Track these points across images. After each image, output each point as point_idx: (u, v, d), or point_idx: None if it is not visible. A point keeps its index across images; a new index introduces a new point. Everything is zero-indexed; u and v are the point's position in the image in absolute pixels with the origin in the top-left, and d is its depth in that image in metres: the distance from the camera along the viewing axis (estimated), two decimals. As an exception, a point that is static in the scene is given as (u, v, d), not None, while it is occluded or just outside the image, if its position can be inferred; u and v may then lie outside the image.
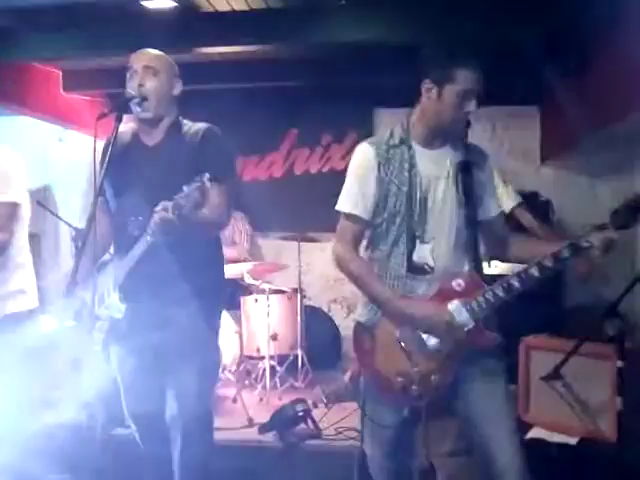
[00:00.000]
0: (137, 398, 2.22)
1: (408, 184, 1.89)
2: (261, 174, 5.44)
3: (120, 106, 2.08)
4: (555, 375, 2.80)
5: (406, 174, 1.90)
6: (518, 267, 1.89)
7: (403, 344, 1.87)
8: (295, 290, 4.36)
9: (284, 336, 4.23)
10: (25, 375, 2.47)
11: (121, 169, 2.13)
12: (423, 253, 1.90)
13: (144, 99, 2.12)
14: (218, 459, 2.29)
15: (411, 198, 1.89)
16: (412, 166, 1.90)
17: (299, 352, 4.23)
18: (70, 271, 1.96)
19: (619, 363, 2.61)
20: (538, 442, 2.80)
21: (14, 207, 2.45)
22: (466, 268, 1.93)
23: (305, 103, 5.08)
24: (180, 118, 2.25)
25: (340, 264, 1.97)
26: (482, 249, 1.99)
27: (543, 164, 5.11)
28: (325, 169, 5.37)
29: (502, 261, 3.53)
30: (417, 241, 1.89)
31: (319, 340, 4.61)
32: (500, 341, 1.91)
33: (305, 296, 4.54)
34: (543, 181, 5.03)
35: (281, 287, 4.46)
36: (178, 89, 2.23)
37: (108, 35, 3.73)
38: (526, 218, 3.82)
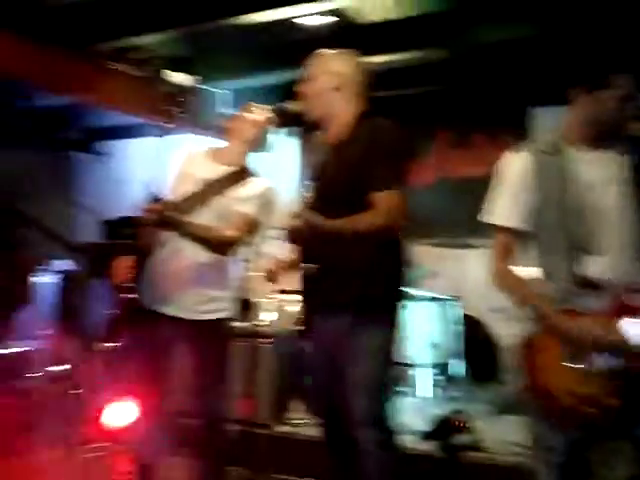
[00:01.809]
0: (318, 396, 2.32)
1: (568, 192, 1.76)
2: (412, 178, 5.39)
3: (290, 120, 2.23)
4: None
5: (564, 181, 1.77)
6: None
7: (571, 363, 1.73)
8: (453, 298, 4.28)
9: (443, 344, 4.16)
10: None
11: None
12: (591, 266, 1.75)
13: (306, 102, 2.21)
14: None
15: (573, 208, 1.75)
16: (572, 173, 1.77)
17: (457, 361, 4.13)
18: None
19: None
20: None
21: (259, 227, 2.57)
22: None
23: (458, 104, 4.97)
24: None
25: (498, 282, 1.89)
26: None
27: None
28: (479, 173, 5.21)
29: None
30: (583, 253, 1.75)
31: (477, 349, 4.47)
32: None
33: (463, 304, 4.43)
34: None
35: (439, 294, 4.39)
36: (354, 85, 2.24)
37: (272, 55, 3.95)
38: None
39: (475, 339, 4.54)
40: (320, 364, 2.27)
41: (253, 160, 2.62)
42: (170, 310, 2.48)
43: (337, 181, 2.16)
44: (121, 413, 2.70)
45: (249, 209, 2.49)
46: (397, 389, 3.91)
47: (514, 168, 1.85)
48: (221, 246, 2.45)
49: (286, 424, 3.47)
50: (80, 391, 3.17)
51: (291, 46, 3.93)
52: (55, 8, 3.61)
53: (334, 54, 2.29)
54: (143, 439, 2.53)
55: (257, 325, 3.77)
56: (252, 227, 2.51)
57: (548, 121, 4.96)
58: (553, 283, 1.79)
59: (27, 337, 3.71)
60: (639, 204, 1.76)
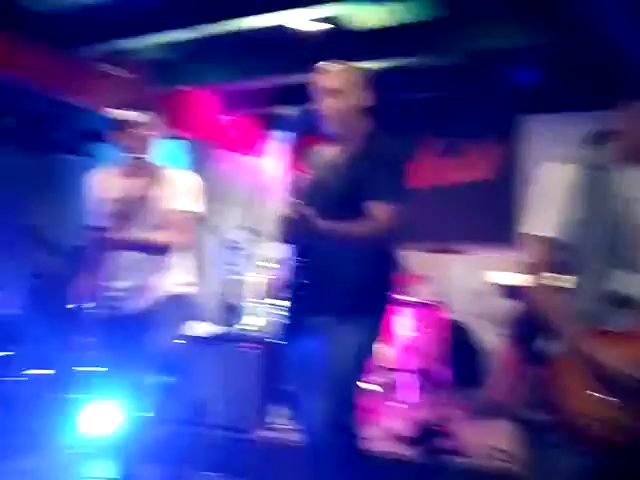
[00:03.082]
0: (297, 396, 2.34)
1: (608, 208, 1.73)
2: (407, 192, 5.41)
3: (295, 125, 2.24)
4: None
5: (606, 196, 1.74)
6: None
7: (598, 386, 1.67)
8: (438, 303, 4.30)
9: (427, 349, 4.18)
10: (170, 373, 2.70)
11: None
12: (628, 283, 1.71)
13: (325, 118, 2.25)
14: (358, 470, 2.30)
15: (612, 223, 1.72)
16: (613, 188, 1.74)
17: (441, 366, 4.16)
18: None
19: None
20: None
21: (191, 215, 2.72)
22: None
23: (448, 111, 5.00)
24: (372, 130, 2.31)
25: (531, 295, 1.82)
26: None
27: None
28: (469, 179, 5.25)
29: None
30: (620, 270, 1.71)
31: (462, 355, 4.50)
32: None
33: (448, 309, 4.45)
34: None
35: (424, 299, 4.41)
36: (367, 101, 2.30)
37: (262, 60, 3.96)
38: None
39: (460, 344, 4.58)
40: (301, 368, 2.29)
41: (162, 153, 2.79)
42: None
43: (338, 192, 2.23)
44: (102, 417, 2.71)
45: (185, 204, 2.65)
46: (377, 393, 3.94)
47: (557, 179, 1.80)
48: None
49: (268, 429, 3.47)
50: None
51: (284, 51, 3.94)
52: (44, 10, 3.61)
53: (357, 69, 2.32)
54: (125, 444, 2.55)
55: (243, 329, 3.78)
56: (193, 222, 2.70)
57: (536, 129, 5.02)
58: (586, 299, 1.74)
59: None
60: None
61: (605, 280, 1.71)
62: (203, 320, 3.91)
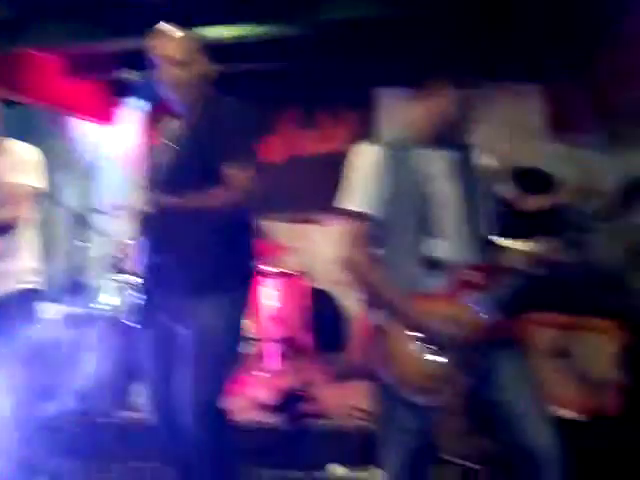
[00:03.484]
0: (153, 381, 2.25)
1: (414, 183, 1.91)
2: (261, 156, 5.38)
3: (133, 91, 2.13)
4: (561, 351, 2.80)
5: (411, 173, 1.92)
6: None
7: (423, 344, 1.84)
8: (300, 272, 4.36)
9: (290, 318, 4.24)
10: (26, 363, 2.54)
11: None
12: (437, 248, 1.90)
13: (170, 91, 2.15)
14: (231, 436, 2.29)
15: (418, 196, 1.90)
16: (416, 165, 1.93)
17: (305, 334, 4.25)
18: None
19: (623, 338, 2.60)
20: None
21: (31, 190, 2.54)
22: (480, 260, 1.93)
23: (305, 83, 5.02)
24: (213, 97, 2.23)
25: (356, 270, 1.94)
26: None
27: (547, 140, 5.07)
28: (326, 150, 5.34)
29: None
30: (429, 237, 1.90)
31: (326, 321, 4.62)
32: (517, 327, 1.94)
33: (310, 278, 4.54)
34: (546, 157, 4.98)
35: (286, 269, 4.46)
36: (209, 71, 2.23)
37: (107, 21, 3.71)
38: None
39: (323, 311, 4.70)
40: (157, 347, 2.22)
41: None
42: None
43: (188, 163, 2.14)
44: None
45: (24, 178, 2.51)
46: (242, 364, 3.95)
47: (366, 160, 1.96)
48: None
49: (129, 409, 3.35)
50: None
51: (128, 13, 3.71)
52: None
53: (196, 36, 2.24)
54: None
55: (96, 309, 3.59)
56: (34, 197, 2.55)
57: (391, 101, 5.20)
58: (401, 268, 1.91)
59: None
60: (468, 194, 1.95)
61: (417, 248, 1.90)
62: (54, 301, 3.67)
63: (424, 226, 1.90)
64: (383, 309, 1.90)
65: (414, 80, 1.99)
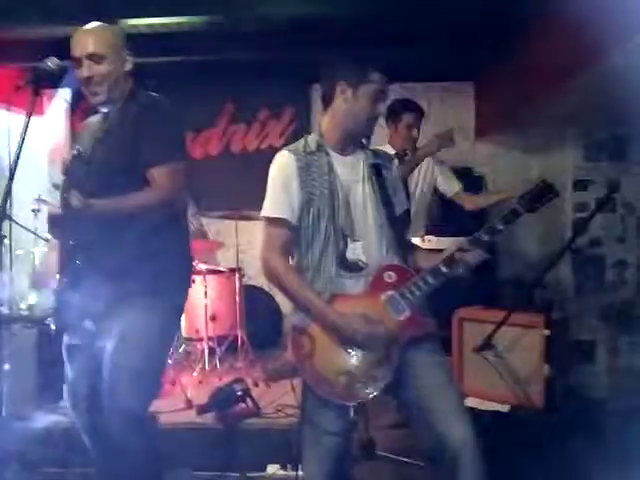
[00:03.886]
0: (77, 383, 2.17)
1: (329, 188, 1.95)
2: (197, 151, 5.31)
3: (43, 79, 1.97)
4: (487, 345, 2.88)
5: (326, 178, 1.96)
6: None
7: (342, 343, 1.88)
8: (233, 270, 4.31)
9: (223, 316, 4.19)
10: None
11: None
12: (354, 251, 1.94)
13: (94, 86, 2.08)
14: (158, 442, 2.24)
15: (334, 201, 1.94)
16: (330, 171, 1.97)
17: (239, 332, 4.20)
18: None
19: (546, 332, 2.70)
20: (472, 411, 2.88)
21: None
22: (396, 261, 1.99)
23: (242, 78, 4.96)
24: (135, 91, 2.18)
25: (273, 275, 1.95)
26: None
27: (477, 140, 5.20)
28: (263, 146, 5.31)
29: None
30: (347, 240, 1.94)
31: (260, 319, 4.58)
32: (435, 324, 1.97)
33: (245, 275, 4.49)
34: (477, 157, 5.12)
35: (218, 267, 4.40)
36: (129, 65, 2.17)
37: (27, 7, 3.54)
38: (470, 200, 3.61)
39: (258, 308, 4.66)
40: (81, 351, 2.14)
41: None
42: None
43: (112, 162, 2.07)
44: None
45: None
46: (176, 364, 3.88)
47: (281, 167, 1.98)
48: None
49: (53, 412, 3.23)
50: None
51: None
52: None
53: (117, 30, 2.19)
54: None
55: (17, 310, 3.44)
56: None
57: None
58: (320, 270, 1.95)
59: None
60: (382, 198, 2.00)
61: (335, 251, 1.94)
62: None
63: (341, 230, 1.94)
64: (301, 311, 1.93)
65: (325, 81, 2.02)
